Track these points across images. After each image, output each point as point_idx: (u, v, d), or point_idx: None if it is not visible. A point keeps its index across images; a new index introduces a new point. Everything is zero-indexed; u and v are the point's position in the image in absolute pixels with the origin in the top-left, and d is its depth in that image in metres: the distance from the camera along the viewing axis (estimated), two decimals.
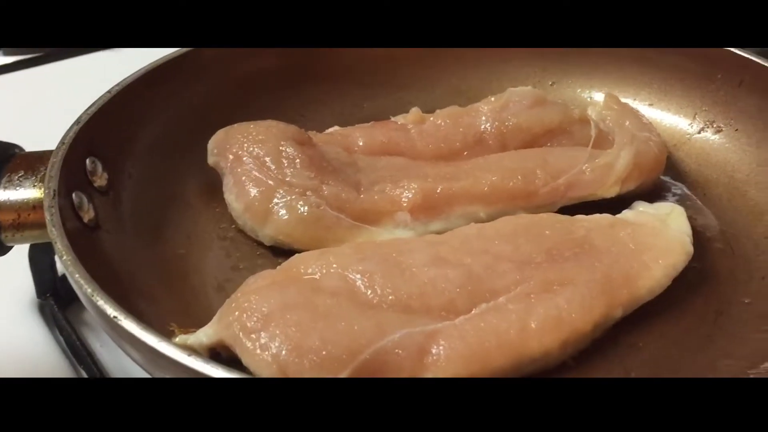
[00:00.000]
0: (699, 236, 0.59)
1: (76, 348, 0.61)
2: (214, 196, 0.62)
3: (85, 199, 0.53)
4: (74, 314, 0.64)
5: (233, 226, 0.61)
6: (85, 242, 0.49)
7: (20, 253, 0.63)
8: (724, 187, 0.64)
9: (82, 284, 0.41)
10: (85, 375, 0.60)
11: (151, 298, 0.51)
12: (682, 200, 0.63)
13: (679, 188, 0.65)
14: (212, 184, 0.63)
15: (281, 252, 0.58)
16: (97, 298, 0.40)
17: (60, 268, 0.65)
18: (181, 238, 0.59)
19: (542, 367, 0.47)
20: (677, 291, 0.53)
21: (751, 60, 0.64)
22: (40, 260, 0.64)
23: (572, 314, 0.48)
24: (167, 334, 0.49)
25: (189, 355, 0.37)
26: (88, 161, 0.56)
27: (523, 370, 0.47)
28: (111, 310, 0.40)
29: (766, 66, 0.64)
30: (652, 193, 0.63)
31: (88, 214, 0.53)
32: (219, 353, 0.48)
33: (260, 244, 0.59)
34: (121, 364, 0.60)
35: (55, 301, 0.65)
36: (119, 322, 0.39)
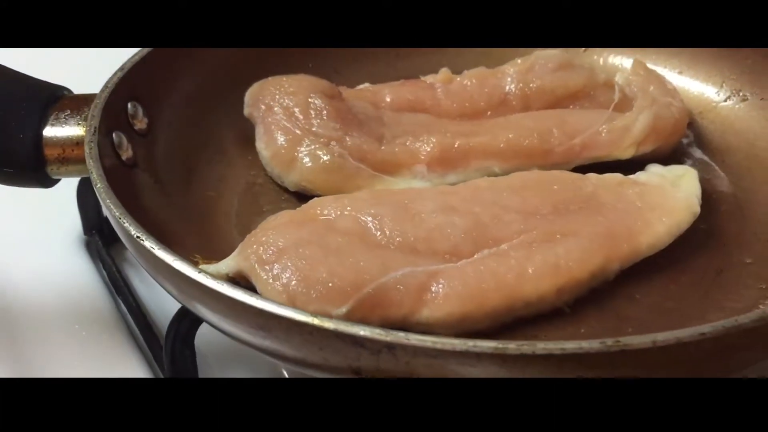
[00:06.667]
0: (712, 199, 0.60)
1: (116, 282, 0.66)
2: (249, 147, 0.66)
3: (124, 139, 0.57)
4: (117, 252, 0.69)
5: (263, 173, 0.64)
6: (120, 176, 0.53)
7: (70, 192, 0.69)
8: (744, 154, 0.64)
9: (111, 208, 0.46)
10: (123, 306, 0.65)
11: (177, 233, 0.55)
12: (700, 165, 0.64)
13: (698, 154, 0.66)
14: (248, 135, 0.66)
15: (304, 198, 0.61)
16: (124, 220, 0.45)
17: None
18: (213, 182, 0.63)
19: (536, 310, 0.50)
20: (682, 249, 0.55)
21: None
22: (87, 200, 0.69)
23: (570, 263, 0.50)
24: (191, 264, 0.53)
25: (199, 272, 0.41)
26: (129, 105, 0.60)
27: (518, 313, 0.49)
28: (134, 231, 0.44)
29: None
30: (671, 157, 0.64)
31: (126, 153, 0.57)
32: (238, 282, 0.52)
33: (286, 190, 0.62)
34: (156, 299, 0.65)
35: (100, 238, 0.70)
36: (142, 242, 0.43)
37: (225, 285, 0.40)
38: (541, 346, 0.35)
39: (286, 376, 0.57)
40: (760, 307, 0.49)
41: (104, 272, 0.68)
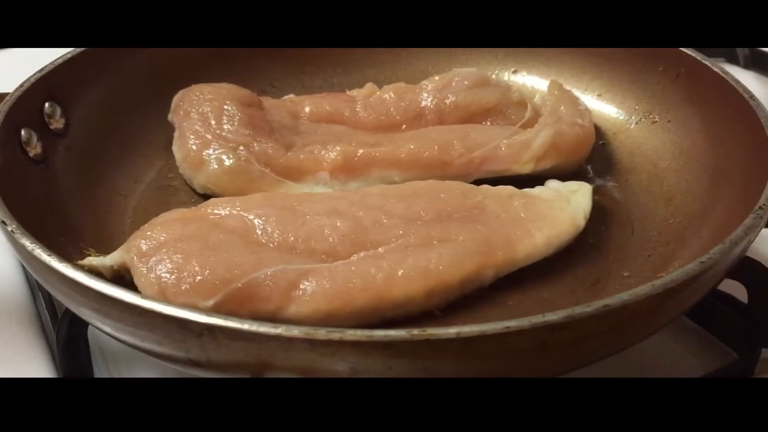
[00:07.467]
0: (605, 215, 0.61)
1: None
2: (170, 150, 0.68)
3: (35, 136, 0.60)
4: None
5: (179, 175, 0.66)
6: (20, 170, 0.55)
7: None
8: (646, 174, 0.65)
9: None
10: (43, 304, 0.67)
11: (79, 228, 0.57)
12: (602, 183, 0.66)
13: (603, 173, 0.67)
14: (171, 139, 0.69)
15: None
16: None
17: None
18: (127, 183, 0.65)
19: (406, 312, 0.51)
20: (565, 260, 0.56)
21: (687, 53, 0.66)
22: None
23: (440, 267, 0.51)
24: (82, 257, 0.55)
25: (49, 255, 0.42)
26: (47, 105, 0.62)
27: (386, 314, 0.50)
28: (1, 216, 0.46)
29: (699, 59, 0.65)
30: (576, 175, 0.66)
31: (35, 150, 0.59)
32: (123, 276, 0.53)
33: (196, 192, 0.64)
34: None
35: None
36: (5, 227, 0.45)
37: (63, 264, 0.42)
38: (350, 333, 0.36)
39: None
40: None
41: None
